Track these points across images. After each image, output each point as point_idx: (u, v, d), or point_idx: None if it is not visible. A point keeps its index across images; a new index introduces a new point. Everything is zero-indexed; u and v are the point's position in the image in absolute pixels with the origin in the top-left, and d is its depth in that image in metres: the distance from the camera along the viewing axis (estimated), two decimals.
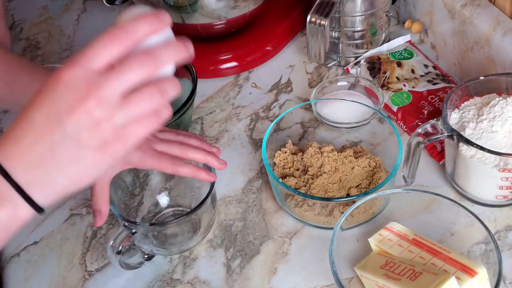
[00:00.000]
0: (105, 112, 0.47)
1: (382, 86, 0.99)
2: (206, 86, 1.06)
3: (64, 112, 0.47)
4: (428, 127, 0.80)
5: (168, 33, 0.52)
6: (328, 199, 0.82)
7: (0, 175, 0.48)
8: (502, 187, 0.80)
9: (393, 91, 0.98)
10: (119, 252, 0.73)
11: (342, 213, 0.79)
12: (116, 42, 0.47)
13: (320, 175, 0.86)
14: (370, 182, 0.86)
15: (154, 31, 0.49)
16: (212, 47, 1.09)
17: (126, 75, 0.47)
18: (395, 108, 0.96)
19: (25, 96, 0.54)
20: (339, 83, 1.00)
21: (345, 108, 0.94)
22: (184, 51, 0.52)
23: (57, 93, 0.47)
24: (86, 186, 0.51)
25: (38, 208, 0.49)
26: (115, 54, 0.47)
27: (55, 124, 0.47)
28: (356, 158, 0.88)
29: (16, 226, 0.50)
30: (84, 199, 0.89)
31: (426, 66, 1.02)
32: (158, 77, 0.49)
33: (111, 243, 0.73)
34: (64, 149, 0.48)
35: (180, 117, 0.90)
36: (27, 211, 0.49)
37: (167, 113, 0.50)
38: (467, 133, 0.80)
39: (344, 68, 1.07)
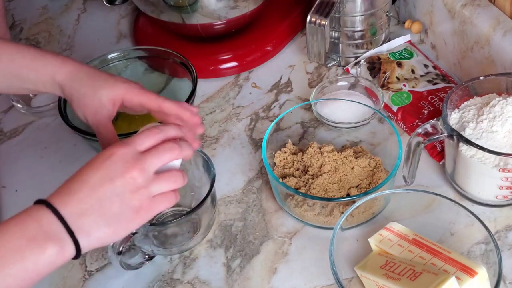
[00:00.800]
0: (144, 181, 0.61)
1: (382, 86, 0.99)
2: (206, 86, 1.06)
3: (115, 176, 0.60)
4: (428, 127, 0.80)
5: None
6: (328, 199, 0.82)
7: (56, 218, 0.58)
8: (502, 187, 0.80)
9: (393, 91, 0.98)
10: (119, 253, 0.74)
11: (342, 213, 0.79)
12: (155, 136, 0.64)
13: (320, 175, 0.86)
14: (370, 182, 0.86)
15: (178, 136, 0.67)
16: (212, 47, 1.09)
17: (160, 157, 0.63)
18: (395, 108, 0.96)
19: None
20: (339, 83, 1.00)
21: (345, 108, 0.94)
22: (192, 150, 0.68)
23: (112, 162, 0.61)
24: (117, 240, 0.65)
25: (78, 252, 0.59)
26: (153, 143, 0.64)
27: (108, 183, 0.60)
28: (356, 158, 0.88)
29: (57, 264, 0.58)
30: None
31: (426, 66, 1.02)
32: (171, 166, 0.65)
33: (111, 243, 0.73)
34: (111, 204, 0.60)
35: None
36: (70, 253, 0.58)
37: (178, 196, 0.65)
38: (467, 133, 0.80)
39: (344, 68, 1.07)
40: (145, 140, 0.63)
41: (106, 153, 0.62)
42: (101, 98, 0.73)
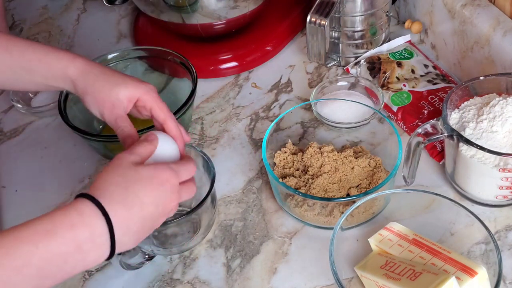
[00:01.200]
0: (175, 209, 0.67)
1: (382, 86, 0.99)
2: (206, 86, 1.06)
3: (163, 203, 0.64)
4: (428, 127, 0.80)
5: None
6: (328, 199, 0.82)
7: (108, 232, 0.59)
8: (502, 187, 0.80)
9: (393, 91, 0.98)
10: (119, 253, 0.73)
11: (342, 213, 0.79)
12: (191, 173, 0.70)
13: (320, 175, 0.86)
14: (370, 182, 0.86)
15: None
16: (212, 47, 1.09)
17: (190, 195, 0.69)
18: (395, 108, 0.96)
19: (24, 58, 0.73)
20: (339, 83, 1.00)
21: (345, 108, 0.94)
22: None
23: (165, 190, 0.64)
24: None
25: (113, 249, 0.61)
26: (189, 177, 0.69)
27: (154, 208, 0.63)
28: (356, 158, 0.88)
29: (88, 268, 0.60)
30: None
31: (426, 66, 1.02)
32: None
33: None
34: (147, 226, 0.63)
35: (180, 117, 0.90)
36: (102, 260, 0.61)
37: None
38: (467, 133, 0.80)
39: (344, 68, 1.07)
40: (186, 174, 0.68)
41: (161, 176, 0.64)
42: (118, 94, 0.73)
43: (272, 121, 0.94)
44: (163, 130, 0.74)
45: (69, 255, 0.57)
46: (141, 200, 0.61)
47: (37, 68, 0.75)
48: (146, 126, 0.84)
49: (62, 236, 0.57)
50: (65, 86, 0.76)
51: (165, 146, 0.70)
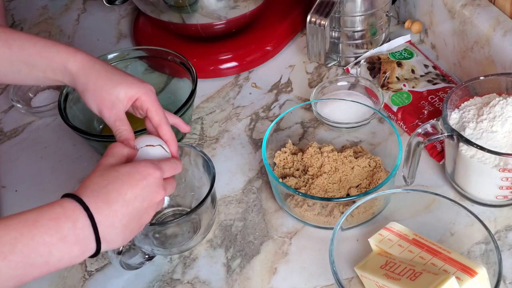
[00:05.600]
0: (161, 203, 0.69)
1: (382, 86, 0.99)
2: (206, 86, 1.06)
3: (147, 198, 0.65)
4: (428, 127, 0.80)
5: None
6: (328, 199, 0.82)
7: (90, 225, 0.60)
8: (502, 187, 0.80)
9: (393, 91, 0.98)
10: (119, 253, 0.74)
11: (342, 213, 0.79)
12: (177, 170, 0.71)
13: (320, 175, 0.86)
14: (370, 182, 0.86)
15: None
16: (212, 47, 1.09)
17: (173, 188, 0.71)
18: (395, 108, 0.96)
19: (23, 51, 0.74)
20: (339, 83, 1.00)
21: (345, 108, 0.94)
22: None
23: (147, 184, 0.65)
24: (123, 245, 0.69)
25: (94, 255, 0.62)
26: (173, 174, 0.71)
27: (139, 202, 0.64)
28: (356, 158, 0.88)
29: (75, 263, 0.61)
30: None
31: (426, 66, 1.02)
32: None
33: None
34: (134, 221, 0.64)
35: (180, 117, 0.90)
36: (89, 255, 0.62)
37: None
38: (467, 133, 0.80)
39: (344, 68, 1.07)
40: (171, 171, 0.69)
41: (143, 171, 0.65)
42: (119, 93, 0.74)
43: (272, 121, 0.94)
44: (155, 132, 0.75)
45: (53, 246, 0.58)
46: (123, 197, 0.63)
47: (37, 62, 0.75)
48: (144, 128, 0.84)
49: (45, 226, 0.59)
50: (64, 80, 0.76)
51: (154, 150, 0.71)
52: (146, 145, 0.72)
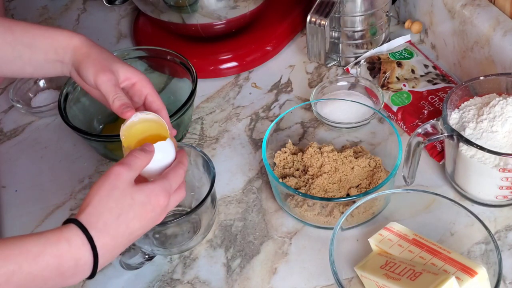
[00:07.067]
0: (164, 213, 0.68)
1: (382, 86, 0.99)
2: (206, 86, 1.06)
3: (152, 221, 0.66)
4: (428, 127, 0.80)
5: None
6: (328, 199, 0.82)
7: (92, 256, 0.61)
8: (502, 187, 0.80)
9: (393, 91, 0.98)
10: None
11: (342, 213, 0.79)
12: (182, 178, 0.70)
13: (320, 175, 0.86)
14: (370, 182, 0.86)
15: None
16: (212, 47, 1.09)
17: (180, 200, 0.71)
18: (395, 108, 0.96)
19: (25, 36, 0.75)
20: (339, 83, 1.00)
21: (345, 108, 0.94)
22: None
23: (153, 209, 0.65)
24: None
25: (94, 272, 0.62)
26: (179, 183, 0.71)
27: (139, 222, 0.65)
28: (356, 158, 0.88)
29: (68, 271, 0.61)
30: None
31: (426, 66, 1.02)
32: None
33: None
34: (135, 237, 0.65)
35: (180, 117, 0.90)
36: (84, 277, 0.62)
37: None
38: (467, 133, 0.80)
39: (344, 68, 1.07)
40: (177, 183, 0.69)
41: (154, 203, 0.65)
42: (119, 69, 0.75)
43: (272, 121, 0.94)
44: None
45: (50, 280, 0.59)
46: (130, 230, 0.64)
47: (40, 43, 0.76)
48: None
49: (47, 262, 0.58)
50: (65, 57, 0.76)
51: (161, 154, 0.70)
52: (143, 114, 0.73)
